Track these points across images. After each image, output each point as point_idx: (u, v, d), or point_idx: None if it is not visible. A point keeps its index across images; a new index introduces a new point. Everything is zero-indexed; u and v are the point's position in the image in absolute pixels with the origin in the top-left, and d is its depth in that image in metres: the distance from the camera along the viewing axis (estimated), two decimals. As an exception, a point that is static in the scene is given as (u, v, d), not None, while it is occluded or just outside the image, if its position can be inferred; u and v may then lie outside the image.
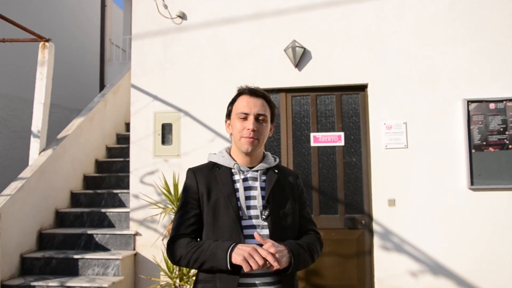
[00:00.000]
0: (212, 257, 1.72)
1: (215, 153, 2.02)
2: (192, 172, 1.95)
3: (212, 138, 4.99)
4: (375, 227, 4.66)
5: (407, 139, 4.66)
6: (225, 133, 4.93)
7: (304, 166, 4.90)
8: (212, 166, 1.94)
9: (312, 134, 4.90)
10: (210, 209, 1.84)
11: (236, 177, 1.90)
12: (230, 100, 2.03)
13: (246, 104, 1.86)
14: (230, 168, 1.92)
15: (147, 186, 5.01)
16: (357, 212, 4.78)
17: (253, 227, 1.82)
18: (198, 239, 1.88)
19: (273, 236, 1.80)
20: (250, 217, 1.83)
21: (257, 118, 1.85)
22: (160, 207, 4.62)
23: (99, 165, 6.45)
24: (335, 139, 4.87)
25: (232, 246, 1.70)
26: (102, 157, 6.62)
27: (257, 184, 1.89)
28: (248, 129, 1.83)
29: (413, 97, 4.69)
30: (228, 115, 1.96)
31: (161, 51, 5.20)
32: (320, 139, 4.88)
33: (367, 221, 4.73)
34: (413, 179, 4.62)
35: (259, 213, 1.84)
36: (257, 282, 1.77)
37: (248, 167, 1.92)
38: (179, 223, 1.87)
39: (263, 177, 1.93)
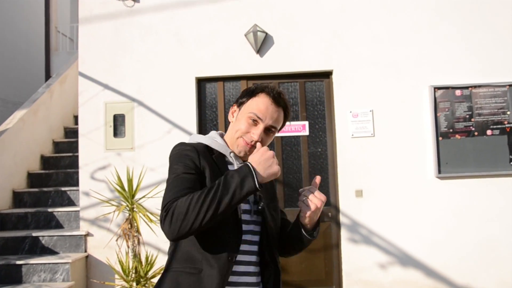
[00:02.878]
0: (231, 185, 1.43)
1: (201, 135, 1.76)
2: (192, 146, 1.65)
3: (169, 130, 4.65)
4: (342, 219, 4.47)
5: (374, 127, 4.50)
6: (183, 124, 4.61)
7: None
8: (204, 149, 1.67)
9: (275, 124, 4.65)
10: None
11: (230, 166, 1.68)
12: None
13: (265, 109, 1.65)
14: (224, 155, 1.70)
15: (99, 183, 4.62)
16: (324, 205, 4.57)
17: (246, 222, 1.63)
18: None
19: (264, 231, 1.66)
20: (242, 211, 1.63)
21: (267, 128, 1.67)
22: (113, 205, 4.24)
23: (45, 161, 5.95)
24: (299, 128, 4.65)
25: (247, 163, 1.49)
26: (48, 153, 6.11)
27: None
28: (252, 137, 1.64)
29: (380, 84, 4.53)
30: (240, 104, 1.72)
31: (111, 36, 4.80)
32: (283, 128, 4.63)
33: (334, 213, 4.55)
34: (381, 169, 4.46)
35: (248, 208, 1.66)
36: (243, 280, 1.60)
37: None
38: (178, 186, 1.52)
39: None
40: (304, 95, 4.68)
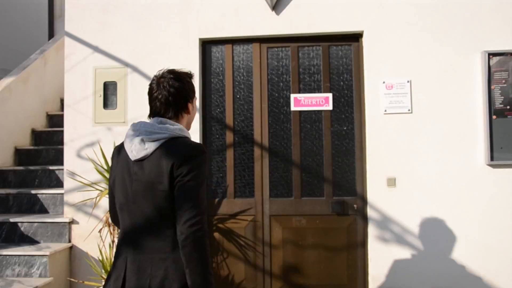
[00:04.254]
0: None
1: (186, 130, 1.95)
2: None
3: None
4: (370, 212, 3.72)
5: (412, 102, 3.70)
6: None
7: (282, 136, 3.91)
8: None
9: (292, 96, 3.89)
10: None
11: None
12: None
13: None
14: None
15: (86, 162, 3.96)
16: (348, 194, 3.83)
17: None
18: None
19: None
20: None
21: None
22: (97, 189, 3.59)
23: (36, 136, 5.34)
24: (321, 102, 3.87)
25: None
26: (41, 127, 5.50)
27: None
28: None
29: (420, 49, 3.71)
30: (193, 97, 2.00)
31: (103, -9, 4.09)
32: (302, 102, 3.88)
33: (360, 205, 3.79)
34: (419, 153, 3.67)
35: None
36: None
37: None
38: (204, 201, 1.77)
39: None
40: (328, 62, 3.89)
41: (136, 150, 1.80)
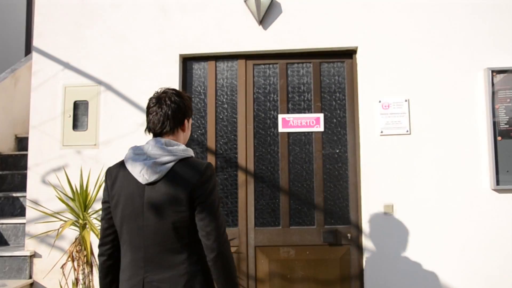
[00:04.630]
0: None
1: (185, 149, 1.92)
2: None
3: (143, 122, 3.58)
4: (365, 242, 3.38)
5: (410, 122, 3.42)
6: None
7: (269, 159, 3.58)
8: None
9: (280, 116, 3.59)
10: None
11: None
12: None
13: None
14: None
15: (52, 189, 3.56)
16: (341, 223, 3.50)
17: None
18: None
19: None
20: None
21: None
22: (60, 219, 3.20)
23: (2, 160, 4.91)
24: (311, 122, 3.58)
25: None
26: (8, 150, 5.09)
27: None
28: None
29: (419, 66, 3.46)
30: (190, 115, 2.04)
31: (76, 3, 3.78)
32: (291, 123, 3.58)
33: (355, 234, 3.45)
34: (419, 177, 3.37)
35: None
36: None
37: None
38: (223, 218, 1.89)
39: None
40: (320, 79, 3.61)
41: (148, 174, 1.82)
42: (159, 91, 1.99)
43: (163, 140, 1.89)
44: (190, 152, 1.91)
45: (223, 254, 1.79)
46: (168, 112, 1.90)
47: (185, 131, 2.00)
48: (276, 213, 3.54)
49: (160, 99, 1.93)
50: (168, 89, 1.99)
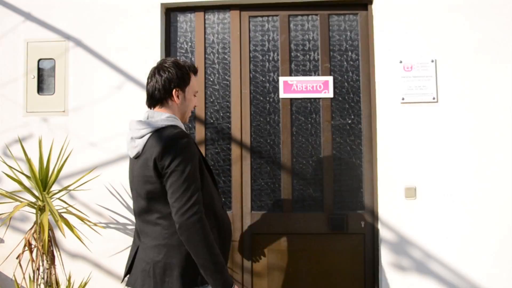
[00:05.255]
0: (222, 272, 1.77)
1: (173, 117, 1.94)
2: (189, 135, 1.89)
3: (120, 84, 3.04)
4: (382, 232, 2.84)
5: (438, 88, 2.83)
6: (142, 76, 2.95)
7: (268, 131, 3.02)
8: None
9: (282, 79, 3.01)
10: (206, 180, 1.92)
11: None
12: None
13: (197, 84, 2.06)
14: None
15: (16, 161, 3.03)
16: (353, 208, 2.95)
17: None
18: None
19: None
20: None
21: None
22: (17, 199, 2.67)
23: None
24: (318, 87, 2.99)
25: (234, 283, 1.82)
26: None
27: None
28: (195, 106, 2.11)
29: (450, 19, 2.84)
30: (182, 86, 1.97)
31: None
32: (294, 87, 3.00)
33: (370, 221, 2.91)
34: (447, 155, 2.80)
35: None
36: None
37: None
38: (198, 193, 1.81)
39: None
40: (328, 35, 3.01)
41: (130, 148, 1.92)
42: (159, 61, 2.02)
43: (148, 113, 1.94)
44: (174, 122, 1.90)
45: (184, 227, 1.73)
46: (156, 84, 1.93)
47: (178, 103, 1.96)
48: (276, 195, 3.00)
49: (152, 71, 1.96)
50: (164, 59, 2.01)
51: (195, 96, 2.04)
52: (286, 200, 2.97)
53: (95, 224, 2.75)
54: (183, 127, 1.95)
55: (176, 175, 1.75)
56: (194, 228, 1.73)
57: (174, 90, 1.93)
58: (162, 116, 1.89)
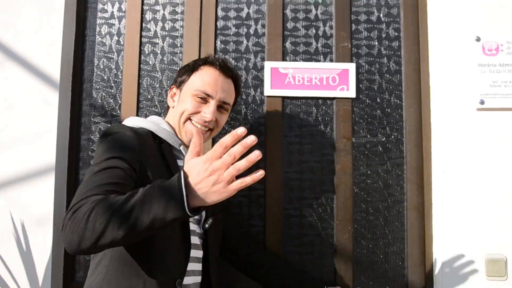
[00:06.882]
0: (152, 206, 0.97)
1: (141, 119, 1.42)
2: (132, 131, 1.28)
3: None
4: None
5: (542, 83, 1.63)
6: (33, 54, 1.71)
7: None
8: (149, 135, 1.35)
9: (268, 65, 1.78)
10: None
11: (180, 162, 1.38)
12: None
13: (213, 82, 1.39)
14: (172, 147, 1.39)
15: None
16: (389, 289, 1.69)
17: (193, 232, 1.32)
18: None
19: (209, 251, 1.36)
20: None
21: (219, 106, 1.40)
22: None
23: None
24: (332, 80, 1.78)
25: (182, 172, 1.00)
26: None
27: None
28: (204, 117, 1.37)
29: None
30: (180, 84, 1.46)
31: None
32: (290, 79, 1.77)
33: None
34: None
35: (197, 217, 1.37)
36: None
37: None
38: (100, 180, 1.11)
39: None
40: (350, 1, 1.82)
41: None
42: None
43: None
44: (128, 121, 1.40)
45: (70, 219, 1.03)
46: None
47: (170, 106, 1.49)
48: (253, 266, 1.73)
49: None
50: None
51: (201, 99, 1.39)
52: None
53: None
54: (165, 135, 1.36)
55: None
56: (70, 230, 1.03)
57: (170, 89, 1.52)
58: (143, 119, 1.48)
